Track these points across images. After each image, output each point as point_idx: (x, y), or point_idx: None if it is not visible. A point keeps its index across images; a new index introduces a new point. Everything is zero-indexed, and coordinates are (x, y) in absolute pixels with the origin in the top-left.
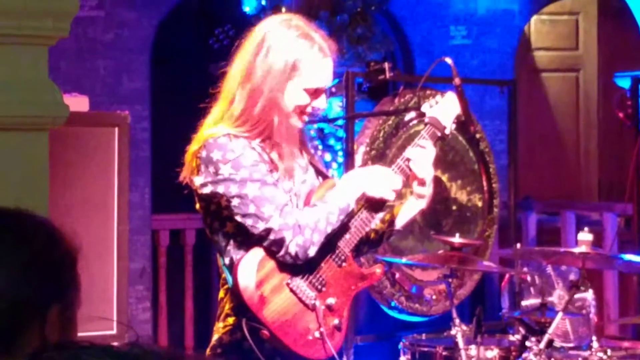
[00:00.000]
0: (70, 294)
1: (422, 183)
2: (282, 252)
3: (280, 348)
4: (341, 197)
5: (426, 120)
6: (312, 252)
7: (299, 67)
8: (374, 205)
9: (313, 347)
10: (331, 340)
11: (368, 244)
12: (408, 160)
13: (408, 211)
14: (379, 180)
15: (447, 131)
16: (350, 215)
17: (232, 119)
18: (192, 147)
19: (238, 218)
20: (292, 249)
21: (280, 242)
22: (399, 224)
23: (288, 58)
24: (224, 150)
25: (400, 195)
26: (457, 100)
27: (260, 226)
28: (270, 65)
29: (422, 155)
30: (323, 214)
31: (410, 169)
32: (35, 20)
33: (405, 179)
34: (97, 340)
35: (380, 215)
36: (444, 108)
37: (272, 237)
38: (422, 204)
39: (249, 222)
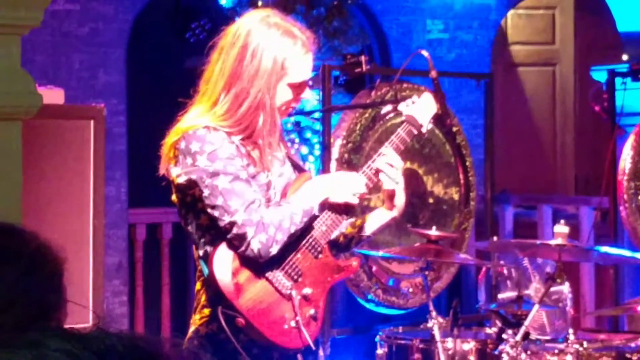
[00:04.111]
0: (59, 306)
1: (391, 194)
2: (243, 248)
3: (256, 337)
4: (305, 200)
5: (403, 118)
6: (274, 250)
7: (286, 66)
8: (341, 208)
9: (289, 336)
10: (307, 330)
11: (336, 247)
12: (377, 171)
13: (379, 218)
14: (342, 186)
15: (423, 129)
16: (322, 211)
17: (215, 116)
18: (170, 139)
19: (208, 209)
20: (255, 246)
21: (242, 237)
22: (369, 230)
23: (275, 59)
24: (202, 142)
25: (377, 189)
26: (434, 100)
27: (226, 219)
28: (257, 68)
29: (389, 169)
30: (287, 213)
31: (378, 179)
32: (7, 9)
33: (371, 185)
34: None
35: (351, 219)
36: (421, 107)
37: (235, 230)
38: (394, 212)
39: (215, 213)
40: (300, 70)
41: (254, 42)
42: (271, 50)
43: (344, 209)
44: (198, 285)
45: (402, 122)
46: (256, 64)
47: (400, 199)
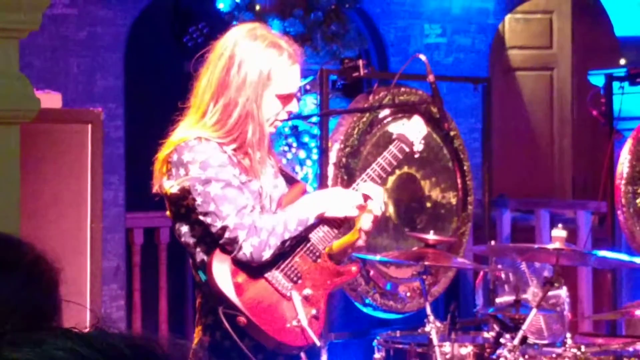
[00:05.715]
0: (56, 316)
1: (368, 215)
2: (235, 251)
3: (259, 336)
4: (301, 210)
5: (394, 136)
6: (267, 254)
7: (272, 76)
8: (339, 221)
9: (291, 334)
10: (310, 328)
11: None
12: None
13: (343, 244)
14: (339, 201)
15: (415, 148)
16: (319, 223)
17: (205, 127)
18: (162, 153)
19: (201, 217)
20: (247, 249)
21: (234, 241)
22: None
23: (262, 69)
24: (194, 152)
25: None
26: (423, 122)
27: (218, 224)
28: (244, 78)
29: (374, 190)
30: (281, 219)
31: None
32: (6, 12)
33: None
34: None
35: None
36: (412, 128)
37: (227, 235)
38: (360, 240)
39: (208, 220)
40: (286, 80)
41: (239, 54)
42: (257, 61)
43: (342, 222)
44: (199, 298)
45: (393, 139)
46: (242, 74)
47: (367, 223)
